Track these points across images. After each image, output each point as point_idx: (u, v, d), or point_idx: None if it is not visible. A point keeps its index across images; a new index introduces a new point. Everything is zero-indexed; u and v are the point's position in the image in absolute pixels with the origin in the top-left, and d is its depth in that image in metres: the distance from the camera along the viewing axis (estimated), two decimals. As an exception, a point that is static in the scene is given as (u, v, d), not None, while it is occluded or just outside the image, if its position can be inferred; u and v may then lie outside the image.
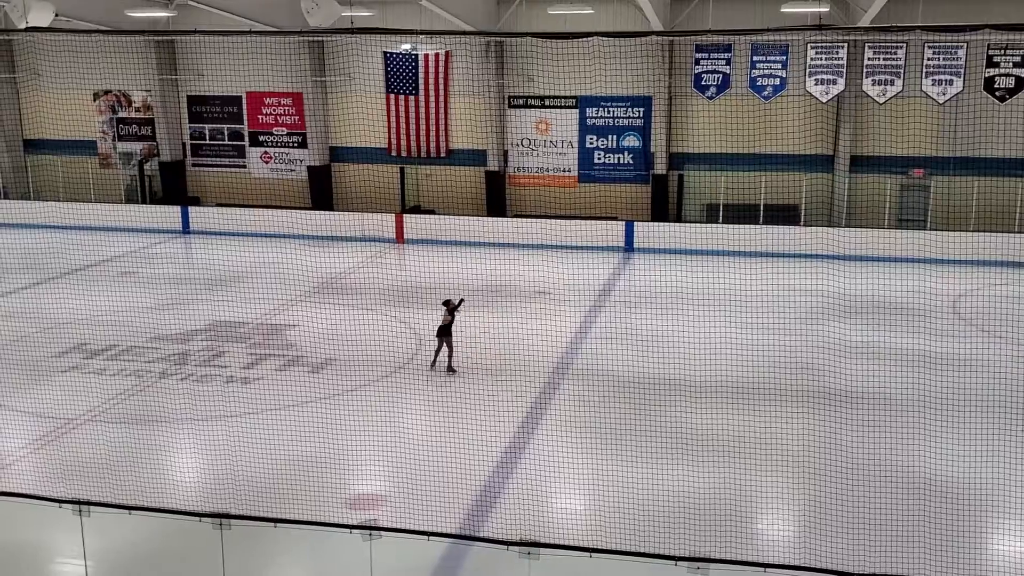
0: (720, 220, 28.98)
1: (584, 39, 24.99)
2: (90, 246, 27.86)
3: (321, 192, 32.29)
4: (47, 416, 15.16)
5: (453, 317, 17.07)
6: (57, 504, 8.73)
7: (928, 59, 26.67)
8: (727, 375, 16.54)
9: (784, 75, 28.05)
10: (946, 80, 26.66)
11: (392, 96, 31.02)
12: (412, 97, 30.98)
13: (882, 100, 27.27)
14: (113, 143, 33.89)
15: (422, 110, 31.22)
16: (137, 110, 33.42)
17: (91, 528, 8.69)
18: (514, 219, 30.25)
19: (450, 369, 16.99)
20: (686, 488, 12.52)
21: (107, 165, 34.08)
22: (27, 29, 20.21)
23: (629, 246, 28.66)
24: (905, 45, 26.72)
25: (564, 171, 30.98)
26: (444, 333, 17.03)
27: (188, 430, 15.10)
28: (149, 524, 8.98)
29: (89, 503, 8.53)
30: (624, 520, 11.44)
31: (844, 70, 27.28)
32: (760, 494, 12.63)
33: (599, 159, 30.67)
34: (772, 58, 28.03)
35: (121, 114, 33.64)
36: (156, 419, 15.32)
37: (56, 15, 23.89)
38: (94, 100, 33.67)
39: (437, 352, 17.19)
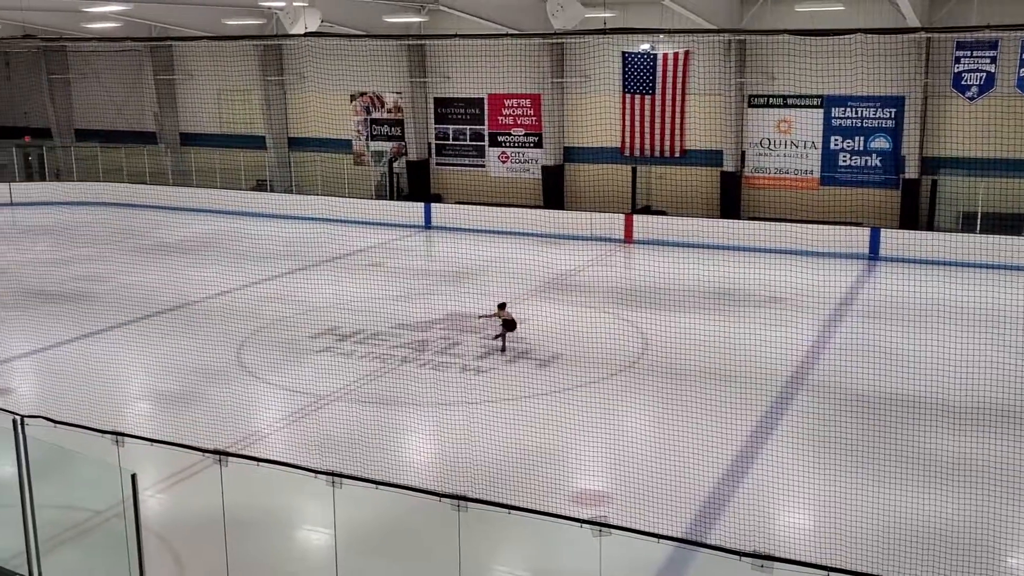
0: (978, 230, 26.74)
1: (834, 36, 23.79)
2: (343, 238, 29.93)
3: (553, 191, 32.87)
4: (302, 392, 16.48)
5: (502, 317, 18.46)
6: (312, 474, 9.28)
7: None
8: (983, 398, 15.23)
9: (1060, 73, 25.47)
10: None
11: (628, 96, 31.05)
12: (648, 97, 30.87)
13: None
14: (366, 142, 36.23)
15: (658, 110, 31.01)
16: (388, 111, 35.53)
17: (340, 498, 9.26)
18: (749, 221, 29.40)
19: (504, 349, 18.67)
20: (931, 514, 11.68)
21: (360, 163, 36.48)
22: (306, 34, 21.85)
23: (875, 254, 27.07)
24: None
25: (805, 173, 29.71)
26: (511, 327, 18.52)
27: (425, 414, 15.90)
28: (392, 499, 9.47)
29: (341, 475, 9.06)
30: (861, 542, 10.85)
31: None
32: (1017, 527, 11.57)
33: (844, 161, 29.17)
34: (1046, 54, 25.51)
35: (374, 115, 35.90)
36: (397, 401, 16.24)
37: (322, 21, 25.82)
38: (351, 101, 36.13)
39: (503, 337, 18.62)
